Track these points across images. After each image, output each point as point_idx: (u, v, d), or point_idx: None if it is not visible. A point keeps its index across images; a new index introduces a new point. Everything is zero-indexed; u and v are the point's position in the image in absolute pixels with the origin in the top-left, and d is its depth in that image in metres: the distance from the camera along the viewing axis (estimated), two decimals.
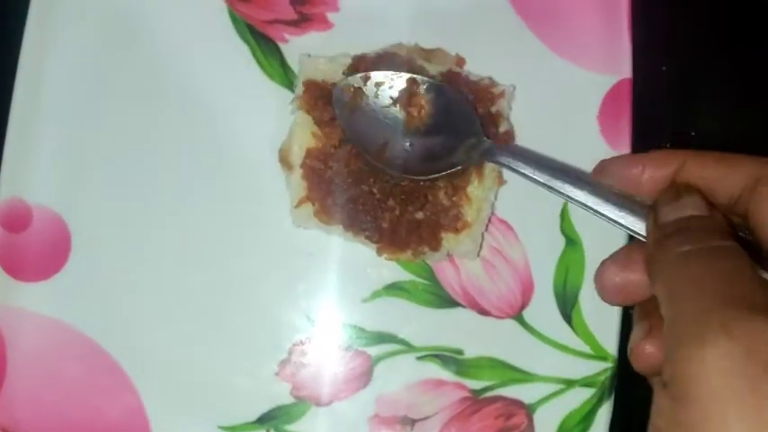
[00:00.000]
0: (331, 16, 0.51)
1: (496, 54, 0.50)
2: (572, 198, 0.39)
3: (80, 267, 0.49)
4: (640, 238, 0.36)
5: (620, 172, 0.38)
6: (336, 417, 0.48)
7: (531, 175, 0.41)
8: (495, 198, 0.48)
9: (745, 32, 0.55)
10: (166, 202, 0.49)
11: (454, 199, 0.47)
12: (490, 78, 0.49)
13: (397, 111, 0.46)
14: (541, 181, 0.40)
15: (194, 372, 0.48)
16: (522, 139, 0.49)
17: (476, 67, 0.49)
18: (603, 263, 0.38)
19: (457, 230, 0.47)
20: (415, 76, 0.46)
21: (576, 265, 0.49)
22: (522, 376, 0.49)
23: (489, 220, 0.48)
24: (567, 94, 0.50)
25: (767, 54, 0.54)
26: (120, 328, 0.48)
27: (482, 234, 0.48)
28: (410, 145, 0.46)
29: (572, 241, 0.49)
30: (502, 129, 0.48)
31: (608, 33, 0.49)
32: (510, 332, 0.49)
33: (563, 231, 0.49)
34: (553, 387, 0.49)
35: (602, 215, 0.37)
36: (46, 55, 0.49)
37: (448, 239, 0.47)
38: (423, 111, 0.46)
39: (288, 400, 0.48)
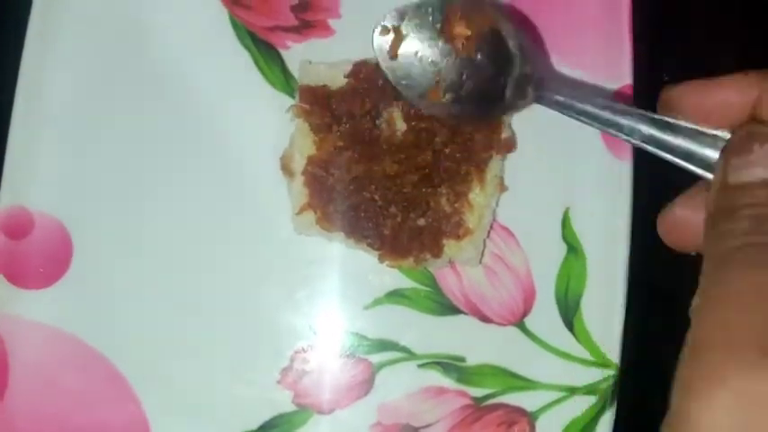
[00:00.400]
0: (332, 23, 0.51)
1: None
2: (638, 135, 0.35)
3: (81, 275, 0.48)
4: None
5: (689, 101, 0.34)
6: (338, 425, 0.48)
7: (589, 111, 0.37)
8: (497, 205, 0.48)
9: (749, 43, 0.55)
10: (168, 209, 0.49)
11: (456, 206, 0.47)
12: None
13: (442, 44, 0.42)
14: (602, 119, 0.37)
15: (196, 380, 0.48)
16: (524, 146, 0.49)
17: None
18: (673, 204, 0.35)
19: (458, 237, 0.47)
20: (451, 8, 0.42)
21: (578, 272, 0.49)
22: (524, 384, 0.49)
23: (491, 227, 0.48)
24: None
25: None
26: (122, 337, 0.48)
27: (484, 241, 0.48)
28: (463, 81, 0.42)
29: (574, 248, 0.49)
30: (504, 135, 0.48)
31: (609, 40, 0.49)
32: (512, 339, 0.49)
33: (565, 238, 0.49)
34: (555, 395, 0.48)
35: (672, 151, 0.33)
36: (47, 62, 0.49)
37: (449, 246, 0.47)
38: (470, 38, 0.42)
39: (289, 408, 0.48)
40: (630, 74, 0.48)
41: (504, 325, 0.49)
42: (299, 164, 0.47)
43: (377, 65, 0.44)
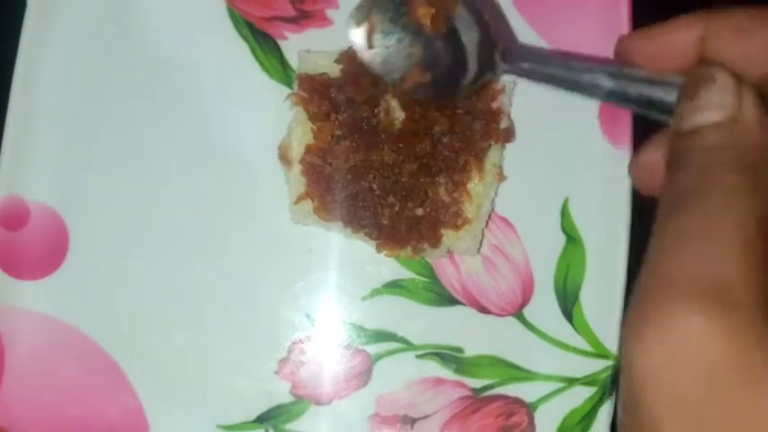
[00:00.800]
0: (330, 13, 0.51)
1: None
2: (604, 90, 0.35)
3: (78, 265, 0.48)
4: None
5: (641, 49, 0.34)
6: (336, 415, 0.48)
7: (553, 74, 0.38)
8: (496, 195, 0.48)
9: None
10: (165, 199, 0.49)
11: (454, 195, 0.47)
12: None
13: (412, 26, 0.43)
14: (566, 79, 0.37)
15: (193, 370, 0.48)
16: (523, 136, 0.49)
17: None
18: (642, 148, 0.35)
19: (457, 227, 0.47)
20: None
21: (577, 262, 0.49)
22: (523, 375, 0.48)
23: (489, 217, 0.48)
24: None
25: None
26: (118, 327, 0.48)
27: (482, 231, 0.48)
28: (438, 57, 0.43)
29: (573, 239, 0.49)
30: (503, 125, 0.47)
31: (609, 29, 0.48)
32: (510, 330, 0.49)
33: (564, 229, 0.49)
34: (554, 385, 0.48)
35: (634, 101, 0.33)
36: (43, 52, 0.49)
37: (448, 236, 0.47)
38: (435, 17, 0.42)
39: (287, 398, 0.48)
40: None
41: (503, 316, 0.49)
42: (296, 153, 0.47)
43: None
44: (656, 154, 0.34)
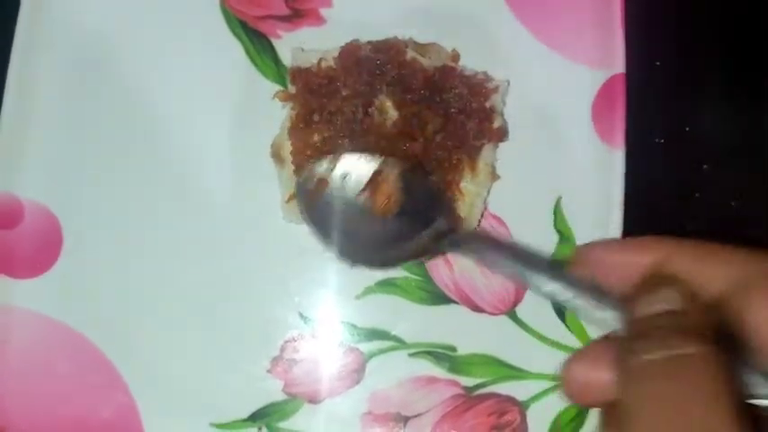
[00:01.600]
0: (324, 12, 0.51)
1: (491, 49, 0.50)
2: (544, 290, 0.36)
3: (72, 264, 0.48)
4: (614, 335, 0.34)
5: (598, 259, 0.36)
6: (329, 414, 0.48)
7: (500, 264, 0.39)
8: (488, 193, 0.48)
9: (740, 27, 0.54)
10: (158, 197, 0.49)
11: (447, 194, 0.47)
12: (485, 73, 0.48)
13: (363, 199, 0.44)
14: (512, 272, 0.38)
15: (187, 369, 0.48)
16: (516, 135, 0.49)
17: (470, 63, 0.49)
18: (571, 357, 0.35)
19: None
20: (383, 161, 0.44)
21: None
22: (516, 373, 0.49)
23: (482, 216, 0.48)
24: (561, 90, 0.50)
25: (763, 49, 0.54)
26: (112, 326, 0.48)
27: (475, 230, 0.48)
28: (374, 234, 0.44)
29: (565, 237, 0.49)
30: (496, 124, 0.47)
31: (601, 28, 0.49)
32: (503, 329, 0.49)
33: (556, 227, 0.49)
34: (546, 384, 0.48)
35: (575, 308, 0.35)
36: (37, 50, 0.49)
37: None
38: (391, 199, 0.44)
39: (280, 396, 0.48)
40: (623, 61, 0.48)
41: (496, 314, 0.49)
42: (289, 151, 0.47)
43: (367, 46, 0.45)
44: (583, 365, 0.34)
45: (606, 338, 0.35)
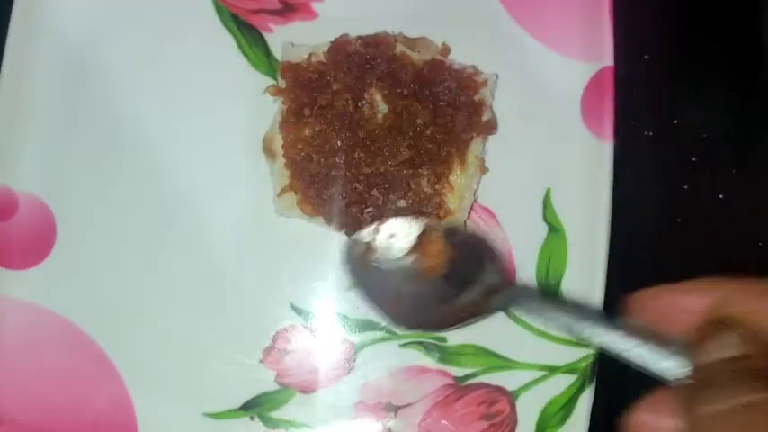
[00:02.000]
0: (315, 6, 0.51)
1: (480, 43, 0.50)
2: (602, 342, 0.34)
3: (65, 255, 0.49)
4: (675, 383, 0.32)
5: (654, 306, 0.34)
6: (320, 403, 0.49)
7: (555, 319, 0.37)
8: (478, 186, 0.49)
9: (728, 20, 0.55)
10: (151, 189, 0.49)
11: (437, 187, 0.47)
12: (474, 67, 0.49)
13: (411, 261, 0.44)
14: (567, 326, 0.37)
15: (179, 359, 0.49)
16: (505, 128, 0.49)
17: (459, 56, 0.49)
18: (635, 405, 0.33)
19: (439, 218, 0.47)
20: (430, 224, 0.44)
21: (559, 252, 0.49)
22: (505, 363, 0.49)
23: (472, 208, 0.49)
24: (550, 83, 0.50)
25: (751, 42, 0.54)
26: (105, 316, 0.49)
27: (465, 222, 0.48)
28: (426, 295, 0.44)
29: (555, 229, 0.49)
30: (485, 117, 0.48)
31: (590, 22, 0.49)
32: (493, 319, 0.49)
33: (546, 219, 0.50)
34: (535, 374, 0.49)
35: (636, 358, 0.33)
36: (32, 44, 0.49)
37: None
38: (440, 257, 0.44)
39: (272, 386, 0.49)
40: (612, 55, 0.48)
41: None
42: (280, 145, 0.47)
43: (357, 40, 0.46)
44: (648, 414, 0.33)
45: (670, 386, 0.33)
